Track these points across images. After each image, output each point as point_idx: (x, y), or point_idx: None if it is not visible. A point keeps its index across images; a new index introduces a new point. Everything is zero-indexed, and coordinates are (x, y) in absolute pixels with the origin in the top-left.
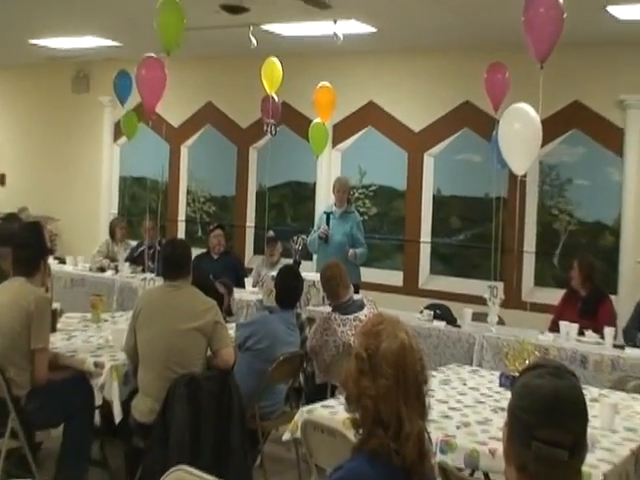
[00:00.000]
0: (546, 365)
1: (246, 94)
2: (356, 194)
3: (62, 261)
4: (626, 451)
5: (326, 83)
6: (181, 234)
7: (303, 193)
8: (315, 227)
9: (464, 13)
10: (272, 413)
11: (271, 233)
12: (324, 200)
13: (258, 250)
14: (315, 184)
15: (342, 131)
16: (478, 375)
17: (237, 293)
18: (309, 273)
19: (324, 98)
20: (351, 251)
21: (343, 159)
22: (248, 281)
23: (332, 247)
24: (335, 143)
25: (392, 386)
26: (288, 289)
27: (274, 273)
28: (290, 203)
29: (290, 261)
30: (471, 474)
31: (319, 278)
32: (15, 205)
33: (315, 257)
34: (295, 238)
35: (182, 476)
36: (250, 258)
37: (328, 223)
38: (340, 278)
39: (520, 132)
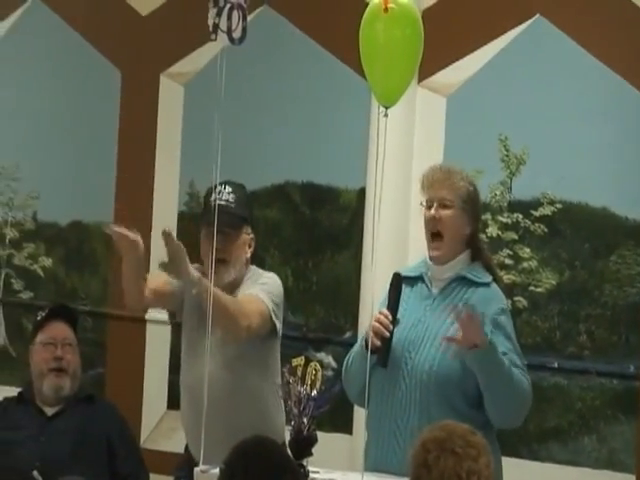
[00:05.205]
0: None
1: None
2: (492, 228)
3: None
4: None
5: None
6: None
7: (327, 221)
8: (362, 331)
9: None
10: None
11: None
12: (397, 240)
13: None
14: (365, 191)
15: (449, 33)
16: None
17: None
18: (343, 475)
19: None
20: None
21: (453, 117)
22: None
23: (410, 381)
24: (428, 70)
25: None
26: None
27: None
28: (282, 249)
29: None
30: None
31: None
32: None
33: (359, 414)
34: (297, 363)
35: None
36: (158, 419)
37: (395, 304)
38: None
39: None
